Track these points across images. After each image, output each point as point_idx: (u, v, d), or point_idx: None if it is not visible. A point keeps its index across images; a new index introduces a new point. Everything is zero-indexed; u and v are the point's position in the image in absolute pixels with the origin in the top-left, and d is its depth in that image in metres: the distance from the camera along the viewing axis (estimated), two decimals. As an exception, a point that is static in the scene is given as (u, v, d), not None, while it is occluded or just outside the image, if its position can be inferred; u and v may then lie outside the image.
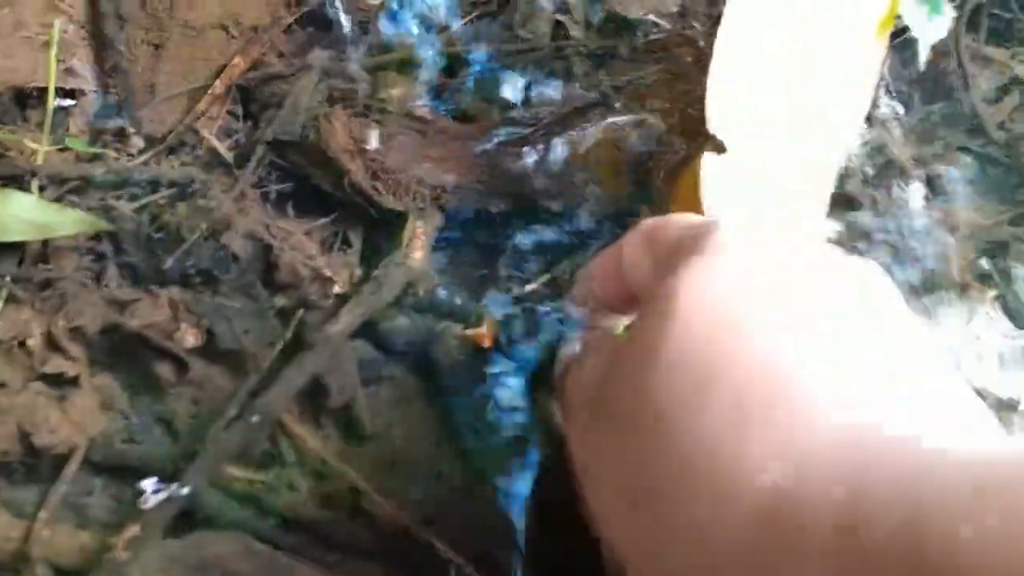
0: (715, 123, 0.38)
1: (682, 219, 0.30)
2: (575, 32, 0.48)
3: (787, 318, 0.24)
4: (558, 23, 0.48)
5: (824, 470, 0.21)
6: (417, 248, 0.42)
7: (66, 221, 0.42)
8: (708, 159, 0.38)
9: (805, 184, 0.40)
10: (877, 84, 0.46)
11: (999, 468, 0.19)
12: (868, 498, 0.20)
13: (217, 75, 0.48)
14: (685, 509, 0.23)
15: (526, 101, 0.47)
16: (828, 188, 0.41)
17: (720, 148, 0.38)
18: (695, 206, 0.37)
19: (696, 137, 0.38)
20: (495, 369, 0.41)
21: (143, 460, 0.40)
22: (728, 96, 0.39)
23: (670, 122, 0.45)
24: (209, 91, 0.47)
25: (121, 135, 0.46)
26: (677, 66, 0.46)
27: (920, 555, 0.18)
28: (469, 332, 0.41)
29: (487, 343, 0.41)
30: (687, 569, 0.23)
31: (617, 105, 0.45)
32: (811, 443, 0.22)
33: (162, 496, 0.38)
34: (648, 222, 0.31)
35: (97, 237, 0.43)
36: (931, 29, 0.46)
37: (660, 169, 0.43)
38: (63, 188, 0.44)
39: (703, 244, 0.27)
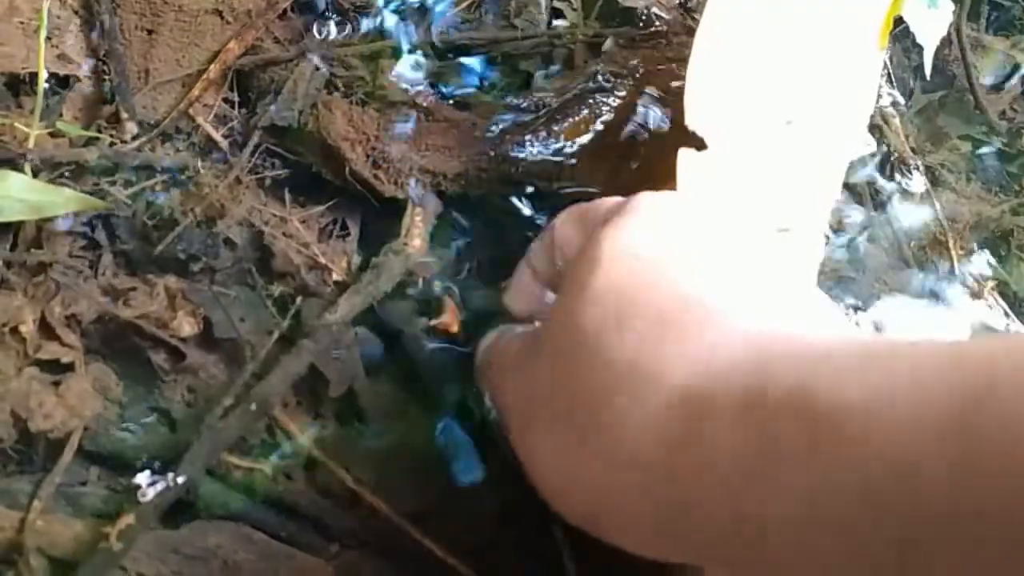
0: (694, 119, 0.38)
1: (611, 200, 0.33)
2: (572, 19, 0.48)
3: (694, 257, 0.29)
4: (555, 10, 0.48)
5: (729, 360, 0.25)
6: (416, 236, 0.42)
7: (60, 200, 0.42)
8: (684, 155, 0.37)
9: (805, 187, 0.40)
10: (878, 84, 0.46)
11: (877, 345, 0.23)
12: (766, 373, 0.23)
13: (211, 60, 0.47)
14: (608, 413, 0.26)
15: (526, 88, 0.47)
16: (833, 193, 0.40)
17: (699, 145, 0.37)
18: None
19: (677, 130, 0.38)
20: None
21: (138, 449, 0.39)
22: (710, 93, 0.38)
23: (666, 110, 0.44)
24: (204, 77, 0.47)
25: (115, 121, 0.45)
26: (677, 55, 0.45)
27: (813, 409, 0.21)
28: (434, 323, 0.41)
29: (454, 328, 0.41)
30: (610, 472, 0.26)
31: (617, 93, 0.45)
32: (718, 342, 0.26)
33: (158, 486, 0.38)
34: (579, 205, 0.35)
35: (91, 223, 0.43)
36: (931, 28, 0.46)
37: (637, 157, 0.43)
38: (56, 173, 0.44)
39: (624, 208, 0.31)
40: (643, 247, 0.29)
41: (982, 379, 0.19)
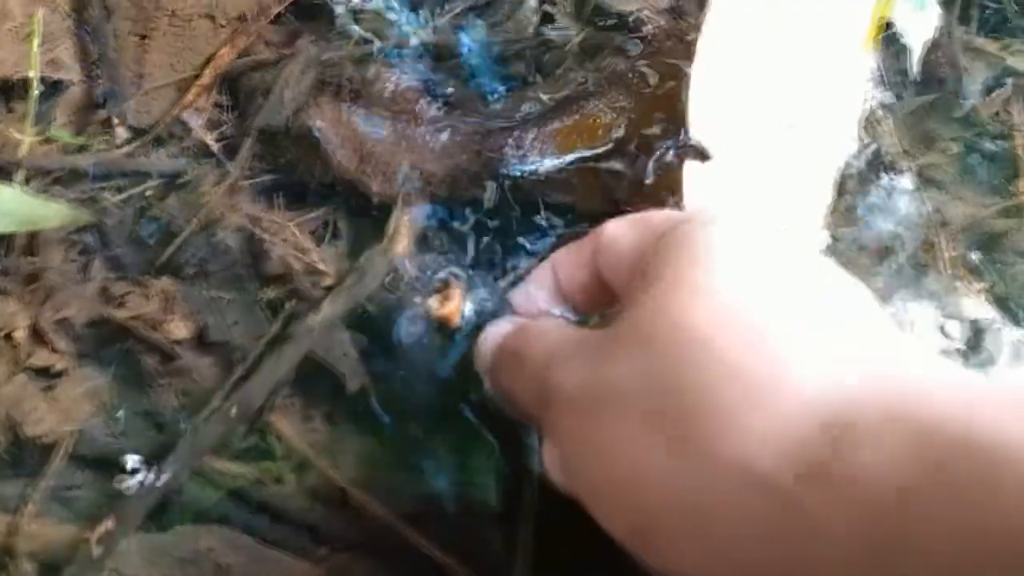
0: (698, 131, 0.38)
1: (671, 213, 0.33)
2: (562, 23, 0.48)
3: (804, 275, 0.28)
4: (545, 14, 0.48)
5: (880, 389, 0.23)
6: (402, 238, 0.42)
7: (50, 214, 0.42)
8: (689, 168, 0.37)
9: (801, 194, 0.40)
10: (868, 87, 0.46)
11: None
12: (928, 406, 0.22)
13: (205, 65, 0.48)
14: (726, 424, 0.24)
15: (515, 91, 0.47)
16: (827, 198, 0.40)
17: (703, 155, 0.37)
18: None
19: (676, 142, 0.38)
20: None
21: (129, 452, 0.40)
22: (713, 105, 0.38)
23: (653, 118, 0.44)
24: (197, 82, 0.47)
25: (107, 126, 0.46)
26: (667, 62, 0.45)
27: (986, 448, 0.20)
28: (436, 311, 0.40)
29: (455, 320, 0.40)
30: (710, 489, 0.24)
31: (607, 98, 0.45)
32: (868, 366, 0.24)
33: (139, 483, 0.38)
34: (635, 214, 0.33)
35: (84, 229, 0.43)
36: (918, 30, 0.46)
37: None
38: (48, 179, 0.44)
39: (703, 215, 0.30)
40: (752, 251, 0.28)
41: None
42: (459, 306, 0.40)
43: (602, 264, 0.33)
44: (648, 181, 0.41)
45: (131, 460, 0.38)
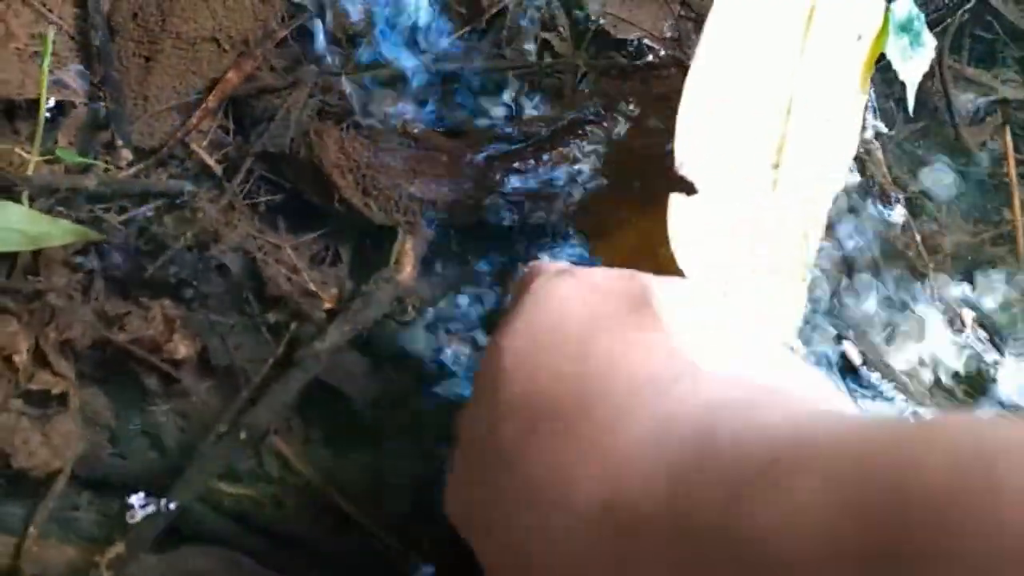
0: (684, 164, 0.38)
1: (549, 265, 0.34)
2: (561, 50, 0.49)
3: (591, 341, 0.29)
4: (545, 41, 0.49)
5: (644, 473, 0.24)
6: (407, 264, 0.43)
7: (56, 232, 0.43)
8: (675, 201, 0.37)
9: (791, 229, 0.40)
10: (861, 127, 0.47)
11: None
12: (688, 490, 0.22)
13: (209, 88, 0.48)
14: (518, 529, 0.26)
15: (516, 117, 0.48)
16: (817, 233, 0.41)
17: (690, 189, 0.38)
18: (655, 243, 0.38)
19: (660, 175, 0.38)
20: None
21: (130, 475, 0.40)
22: (699, 139, 0.39)
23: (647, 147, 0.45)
24: (202, 105, 0.47)
25: (110, 147, 0.46)
26: (668, 87, 0.46)
27: (734, 536, 0.20)
28: None
29: None
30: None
31: (607, 124, 0.46)
32: (621, 449, 0.25)
33: (150, 510, 0.38)
34: (531, 265, 0.36)
35: (85, 250, 0.44)
36: (914, 67, 0.47)
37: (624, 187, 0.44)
38: (52, 199, 0.44)
39: (515, 300, 0.33)
40: (537, 343, 0.29)
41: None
42: None
43: None
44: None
45: (136, 499, 0.39)
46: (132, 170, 0.46)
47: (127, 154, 0.46)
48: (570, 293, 0.31)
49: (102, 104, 0.47)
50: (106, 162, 0.46)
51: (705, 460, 0.22)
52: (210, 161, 0.46)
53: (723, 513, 0.21)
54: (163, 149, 0.46)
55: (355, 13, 0.50)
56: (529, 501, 0.26)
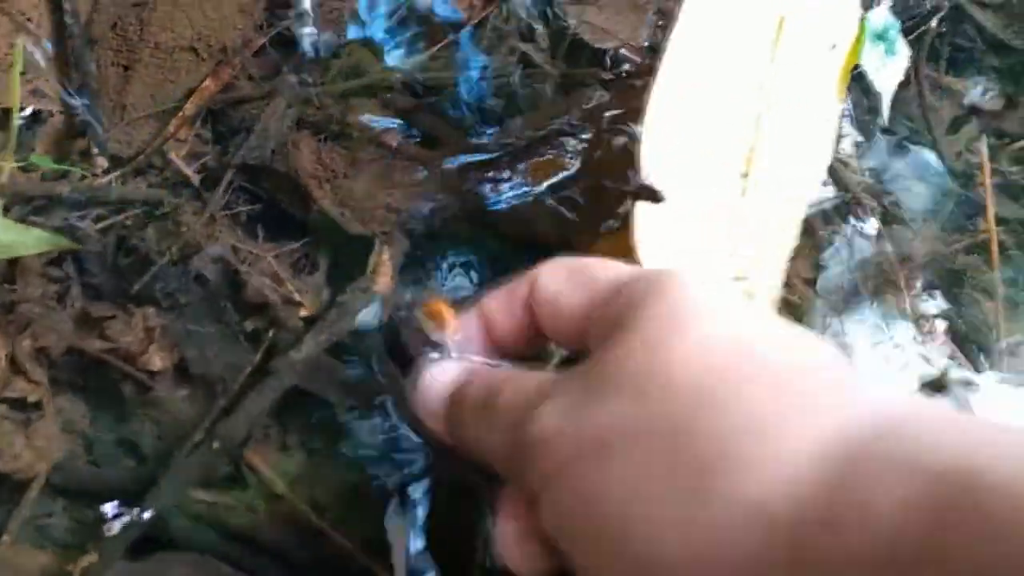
0: (650, 173, 0.38)
1: (610, 262, 0.33)
2: (539, 60, 0.49)
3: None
4: (523, 52, 0.49)
5: (876, 424, 0.24)
6: (383, 274, 0.43)
7: (29, 240, 0.43)
8: (640, 209, 0.37)
9: (762, 237, 0.41)
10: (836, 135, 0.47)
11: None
12: (923, 443, 0.23)
13: (186, 97, 0.48)
14: (732, 462, 0.24)
15: (492, 127, 0.48)
16: (789, 242, 0.41)
17: (655, 198, 0.38)
18: (623, 252, 0.38)
19: (628, 184, 0.39)
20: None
21: (105, 483, 0.40)
22: (665, 147, 0.39)
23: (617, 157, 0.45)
24: (179, 114, 0.48)
25: (87, 156, 0.46)
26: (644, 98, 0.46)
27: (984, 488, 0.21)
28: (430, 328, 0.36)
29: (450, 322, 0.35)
30: (716, 527, 0.24)
31: (584, 135, 0.46)
32: (859, 405, 0.25)
33: (124, 519, 0.39)
34: (567, 260, 0.33)
35: (61, 258, 0.44)
36: (888, 75, 0.47)
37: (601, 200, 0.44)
38: (27, 208, 0.44)
39: (661, 274, 0.30)
40: (731, 305, 0.29)
41: None
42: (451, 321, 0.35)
43: (542, 313, 0.33)
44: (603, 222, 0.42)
45: (110, 506, 0.39)
46: (108, 178, 0.46)
47: (103, 162, 0.46)
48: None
49: (79, 113, 0.47)
50: (82, 170, 0.46)
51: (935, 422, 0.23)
52: (188, 171, 0.47)
53: (966, 465, 0.21)
54: (140, 157, 0.47)
55: (334, 23, 0.50)
56: (739, 433, 0.25)
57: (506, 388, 0.31)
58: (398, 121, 0.47)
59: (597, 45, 0.49)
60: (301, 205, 0.45)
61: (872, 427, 0.24)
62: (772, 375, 0.26)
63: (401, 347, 0.41)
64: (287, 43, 0.50)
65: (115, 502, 0.39)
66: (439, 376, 0.35)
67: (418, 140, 0.47)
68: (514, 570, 0.30)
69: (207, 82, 0.49)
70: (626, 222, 0.38)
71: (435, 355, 0.35)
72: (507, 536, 0.31)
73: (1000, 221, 0.50)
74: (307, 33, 0.49)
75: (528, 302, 0.34)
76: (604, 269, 0.32)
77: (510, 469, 0.31)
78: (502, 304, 0.35)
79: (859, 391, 0.26)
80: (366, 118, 0.46)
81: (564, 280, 0.33)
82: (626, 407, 0.27)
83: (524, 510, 0.30)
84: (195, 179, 0.46)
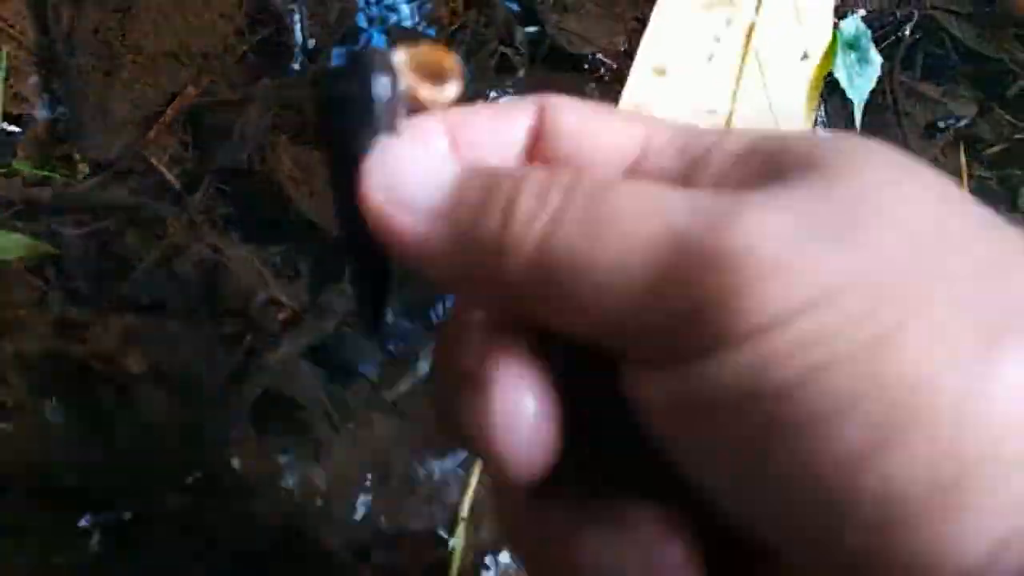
0: None
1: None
2: (518, 64, 0.49)
3: None
4: (502, 56, 0.50)
5: None
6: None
7: (9, 245, 0.43)
8: None
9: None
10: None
11: None
12: None
13: (168, 103, 0.49)
14: None
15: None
16: None
17: None
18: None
19: None
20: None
21: (83, 487, 0.40)
22: None
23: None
24: (160, 119, 0.48)
25: (68, 161, 0.46)
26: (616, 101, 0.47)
27: None
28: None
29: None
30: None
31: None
32: None
33: (101, 521, 0.39)
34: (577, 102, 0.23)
35: (43, 262, 0.44)
36: (860, 84, 0.48)
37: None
38: (8, 212, 0.45)
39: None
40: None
41: None
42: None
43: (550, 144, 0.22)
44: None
45: (90, 511, 0.39)
46: (90, 183, 0.46)
47: (84, 168, 0.46)
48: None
49: (61, 118, 0.47)
50: (64, 176, 0.46)
51: None
52: (169, 176, 0.47)
53: None
54: (121, 163, 0.47)
55: (316, 28, 0.51)
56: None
57: (625, 189, 0.19)
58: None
59: (574, 51, 0.50)
60: (280, 208, 0.45)
61: None
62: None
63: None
64: (268, 50, 0.51)
65: (94, 506, 0.39)
66: (438, 152, 0.22)
67: None
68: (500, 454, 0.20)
69: (188, 88, 0.49)
70: None
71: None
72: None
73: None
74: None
75: (536, 132, 0.23)
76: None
77: (647, 302, 0.18)
78: (488, 121, 0.23)
79: None
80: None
81: (586, 121, 0.22)
82: (907, 246, 0.18)
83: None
84: (176, 183, 0.46)
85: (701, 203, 0.19)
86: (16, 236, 0.43)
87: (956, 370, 0.17)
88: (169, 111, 0.48)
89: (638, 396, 0.20)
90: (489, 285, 0.20)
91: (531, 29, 0.51)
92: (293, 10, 0.51)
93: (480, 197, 0.20)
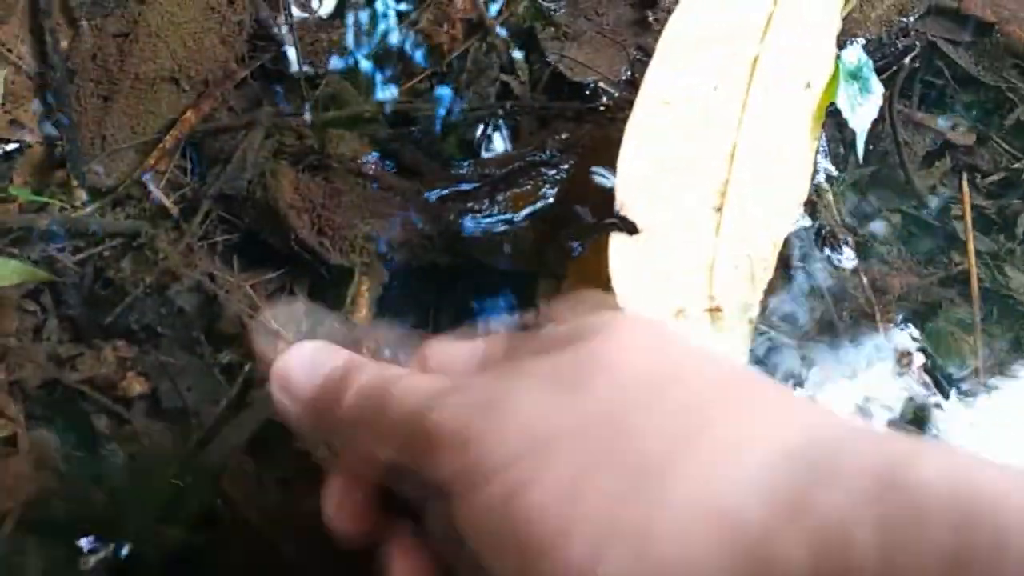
0: (625, 205, 0.39)
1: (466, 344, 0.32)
2: (519, 92, 0.50)
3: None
4: (504, 83, 0.50)
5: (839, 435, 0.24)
6: (362, 306, 0.44)
7: (5, 272, 0.43)
8: (616, 240, 0.38)
9: (736, 269, 0.42)
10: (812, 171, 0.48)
11: None
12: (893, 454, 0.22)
13: (167, 128, 0.49)
14: (690, 464, 0.23)
15: (472, 158, 0.49)
16: (764, 274, 0.42)
17: (630, 229, 0.39)
18: (591, 277, 0.38)
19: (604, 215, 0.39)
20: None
21: (79, 518, 0.40)
22: (640, 180, 0.40)
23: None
24: (159, 145, 0.48)
25: (66, 187, 0.47)
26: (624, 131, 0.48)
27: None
28: None
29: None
30: (674, 523, 0.23)
31: (562, 166, 0.47)
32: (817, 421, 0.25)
33: (99, 555, 0.39)
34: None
35: (39, 290, 0.44)
36: (863, 114, 0.48)
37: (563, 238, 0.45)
38: (5, 239, 0.45)
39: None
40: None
41: None
42: None
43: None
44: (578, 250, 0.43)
45: (85, 542, 0.39)
46: (88, 210, 0.46)
47: (82, 194, 0.46)
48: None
49: (59, 144, 0.47)
50: (61, 201, 0.46)
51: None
52: (167, 202, 0.47)
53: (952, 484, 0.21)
54: (119, 189, 0.47)
55: (317, 52, 0.51)
56: (694, 434, 0.24)
57: (404, 379, 0.29)
58: (377, 153, 0.48)
59: (576, 79, 0.50)
60: (280, 235, 0.45)
61: (825, 439, 0.24)
62: (730, 379, 0.26)
63: None
64: (268, 75, 0.51)
65: (90, 538, 0.39)
66: (304, 355, 0.32)
67: (399, 169, 0.48)
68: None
69: (188, 114, 0.49)
70: (594, 247, 0.38)
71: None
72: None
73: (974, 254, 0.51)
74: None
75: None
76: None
77: (404, 462, 0.28)
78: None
79: (802, 404, 0.26)
80: (345, 148, 0.47)
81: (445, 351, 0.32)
82: (567, 401, 0.25)
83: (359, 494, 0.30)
84: (174, 210, 0.46)
85: (436, 389, 0.27)
86: (12, 263, 0.43)
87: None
88: (168, 137, 0.48)
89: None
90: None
91: (532, 57, 0.51)
92: (292, 37, 0.51)
93: (326, 393, 0.31)
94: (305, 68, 0.50)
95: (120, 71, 0.50)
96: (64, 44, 0.50)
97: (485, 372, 0.29)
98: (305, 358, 0.32)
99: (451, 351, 0.31)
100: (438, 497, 0.27)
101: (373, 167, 0.47)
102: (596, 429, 0.25)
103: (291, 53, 0.51)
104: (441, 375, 0.29)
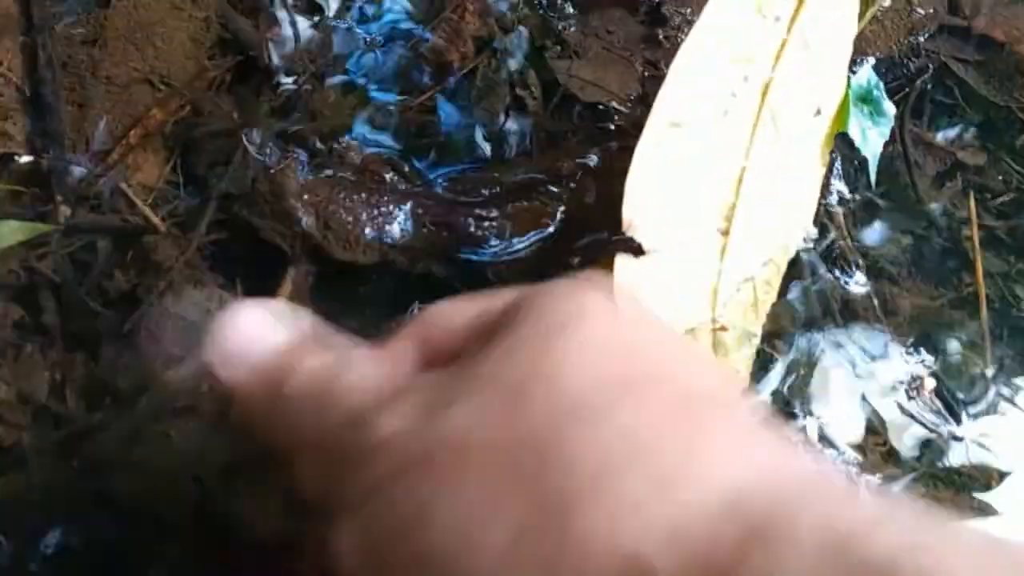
0: (632, 225, 0.43)
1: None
2: (532, 108, 0.54)
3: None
4: (517, 97, 0.54)
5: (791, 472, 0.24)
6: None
7: (6, 231, 0.48)
8: (621, 262, 0.42)
9: (744, 292, 0.46)
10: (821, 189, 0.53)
11: None
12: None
13: (146, 131, 0.53)
14: (613, 501, 0.23)
15: (479, 171, 0.53)
16: (771, 296, 0.46)
17: (637, 251, 0.42)
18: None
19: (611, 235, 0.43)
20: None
21: (82, 532, 0.45)
22: (647, 201, 0.44)
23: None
24: (124, 140, 0.53)
25: (51, 199, 0.51)
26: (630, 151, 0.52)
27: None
28: None
29: None
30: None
31: (570, 184, 0.51)
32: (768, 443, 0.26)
33: None
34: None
35: (33, 299, 0.49)
36: (874, 140, 0.53)
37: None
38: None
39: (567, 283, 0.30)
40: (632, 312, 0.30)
41: None
42: None
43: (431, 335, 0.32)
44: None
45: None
46: (73, 220, 0.50)
47: (66, 210, 0.50)
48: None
49: (44, 156, 0.52)
50: (49, 212, 0.50)
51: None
52: (155, 218, 0.51)
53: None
54: (103, 195, 0.51)
55: (327, 53, 0.55)
56: (561, 525, 0.23)
57: (355, 370, 0.30)
58: (387, 156, 0.52)
59: (586, 99, 0.54)
60: (283, 232, 0.50)
61: (774, 489, 0.24)
62: (674, 400, 0.26)
63: None
64: (253, 74, 0.55)
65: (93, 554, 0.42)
66: (275, 320, 0.33)
67: (406, 176, 0.52)
68: None
69: (154, 111, 0.54)
70: (598, 267, 0.42)
71: None
72: None
73: (984, 275, 0.56)
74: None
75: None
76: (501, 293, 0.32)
77: (323, 471, 0.29)
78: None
79: (763, 439, 0.27)
80: (353, 149, 0.50)
81: (459, 304, 0.33)
82: (488, 411, 0.26)
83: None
84: (162, 227, 0.50)
85: (382, 397, 0.28)
86: (11, 222, 0.49)
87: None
88: (132, 133, 0.53)
89: None
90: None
91: (542, 74, 0.55)
92: (268, 37, 0.55)
93: (276, 372, 0.31)
94: (304, 79, 0.54)
95: (92, 76, 0.56)
96: (43, 56, 0.53)
97: (439, 371, 0.29)
98: (258, 319, 0.32)
99: (453, 317, 0.31)
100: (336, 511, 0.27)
101: (380, 172, 0.51)
102: (521, 452, 0.25)
103: (279, 59, 0.54)
104: (390, 362, 0.30)
